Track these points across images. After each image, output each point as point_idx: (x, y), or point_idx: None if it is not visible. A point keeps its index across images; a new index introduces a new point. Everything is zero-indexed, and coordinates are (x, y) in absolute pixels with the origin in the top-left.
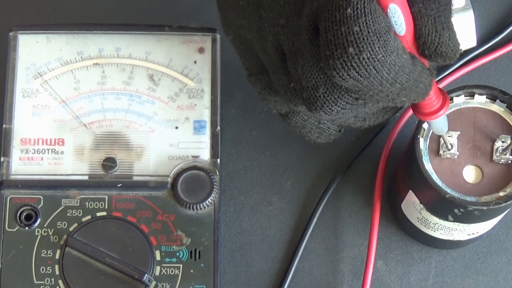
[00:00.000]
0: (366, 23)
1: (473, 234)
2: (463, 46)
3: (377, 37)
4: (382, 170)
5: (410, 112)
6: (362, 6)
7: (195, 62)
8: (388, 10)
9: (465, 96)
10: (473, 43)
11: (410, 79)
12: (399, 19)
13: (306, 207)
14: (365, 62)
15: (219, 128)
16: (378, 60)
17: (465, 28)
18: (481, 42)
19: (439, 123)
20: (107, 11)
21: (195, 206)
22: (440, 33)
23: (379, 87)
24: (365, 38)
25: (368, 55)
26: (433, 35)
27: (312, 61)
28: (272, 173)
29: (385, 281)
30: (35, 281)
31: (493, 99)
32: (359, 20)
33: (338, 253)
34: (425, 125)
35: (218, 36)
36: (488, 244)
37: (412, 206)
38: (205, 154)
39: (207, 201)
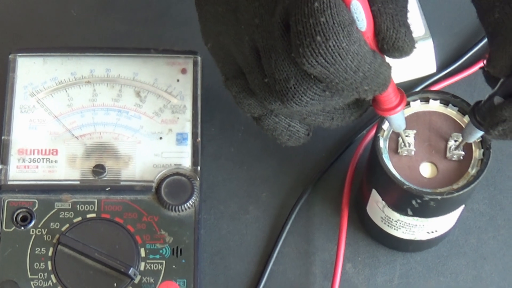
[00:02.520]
0: (331, 15)
1: (432, 232)
2: (424, 72)
3: (341, 27)
4: (349, 182)
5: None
6: (328, 0)
7: (178, 81)
8: (351, 6)
9: (421, 101)
10: (433, 69)
11: (371, 69)
12: (361, 15)
13: (280, 215)
14: (331, 49)
15: (199, 139)
16: (342, 48)
17: (425, 55)
18: (440, 68)
19: (397, 119)
20: (98, 36)
21: (177, 208)
22: (397, 29)
23: (344, 74)
24: (331, 28)
25: (334, 43)
26: (391, 31)
27: (283, 55)
28: (248, 185)
29: (353, 282)
30: (29, 276)
31: (446, 103)
32: (325, 12)
33: (309, 257)
34: (384, 126)
35: (199, 58)
36: (449, 248)
37: (376, 206)
38: (186, 162)
39: (188, 203)
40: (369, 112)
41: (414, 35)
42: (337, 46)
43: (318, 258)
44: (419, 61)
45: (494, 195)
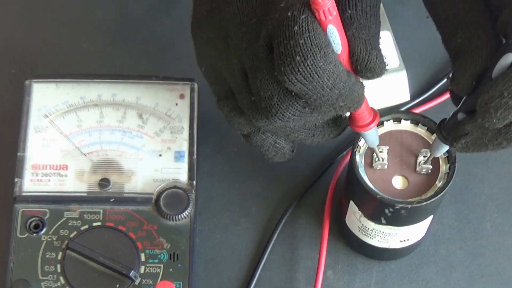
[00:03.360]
0: (309, 37)
1: (404, 241)
2: (399, 101)
3: (318, 48)
4: (330, 197)
5: None
6: (306, 25)
7: (176, 104)
8: (327, 30)
9: (393, 121)
10: (406, 97)
11: (346, 87)
12: (336, 39)
13: (268, 227)
14: (309, 68)
15: (195, 156)
16: (319, 67)
17: (400, 85)
18: (413, 97)
19: (371, 136)
20: (105, 66)
21: (174, 217)
22: (369, 52)
23: (321, 91)
24: (309, 49)
25: (311, 62)
26: (363, 53)
27: (268, 74)
28: (240, 200)
29: (333, 287)
30: (40, 277)
31: (416, 123)
32: (303, 35)
33: (294, 264)
34: (360, 143)
35: (195, 85)
36: (420, 258)
37: (354, 217)
38: (183, 177)
39: (184, 213)
40: (349, 135)
41: (389, 67)
42: (315, 65)
43: (301, 265)
44: (394, 90)
45: (461, 210)
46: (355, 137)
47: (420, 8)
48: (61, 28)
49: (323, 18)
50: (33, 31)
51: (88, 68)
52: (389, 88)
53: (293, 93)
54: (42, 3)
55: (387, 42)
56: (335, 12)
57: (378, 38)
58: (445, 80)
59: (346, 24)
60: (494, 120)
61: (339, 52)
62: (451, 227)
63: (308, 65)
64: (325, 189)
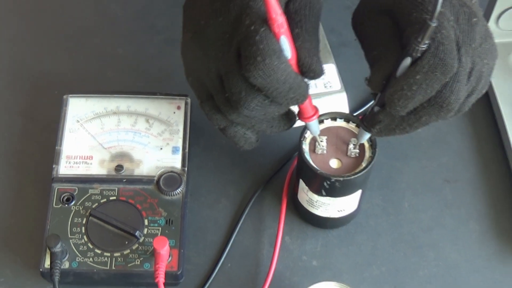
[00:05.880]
0: (267, 44)
1: (340, 211)
2: None
3: (273, 52)
4: (287, 183)
5: None
6: (265, 35)
7: (174, 113)
8: (280, 40)
9: (331, 119)
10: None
11: (294, 82)
12: (287, 47)
13: (241, 205)
14: (267, 66)
15: (187, 150)
16: (274, 65)
17: (340, 104)
18: (351, 112)
19: (313, 126)
20: (122, 85)
21: (170, 193)
22: (311, 58)
23: (276, 84)
24: (266, 52)
25: (268, 61)
26: (307, 59)
27: (237, 74)
28: (221, 185)
29: (289, 248)
30: (69, 236)
31: (347, 121)
32: (263, 42)
33: (260, 232)
34: (306, 134)
35: (189, 100)
36: (355, 228)
37: (303, 192)
38: (178, 164)
39: (177, 190)
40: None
41: (333, 89)
42: (271, 63)
43: (266, 233)
44: (337, 107)
45: (386, 193)
46: (302, 130)
47: (357, 48)
48: (92, 60)
49: (277, 31)
50: (71, 63)
51: (110, 88)
52: (333, 105)
53: (255, 87)
54: (79, 42)
55: (332, 71)
56: (285, 26)
57: (318, 50)
58: (373, 101)
59: (295, 38)
60: (398, 108)
61: (289, 57)
62: (378, 206)
63: (266, 63)
64: (284, 177)
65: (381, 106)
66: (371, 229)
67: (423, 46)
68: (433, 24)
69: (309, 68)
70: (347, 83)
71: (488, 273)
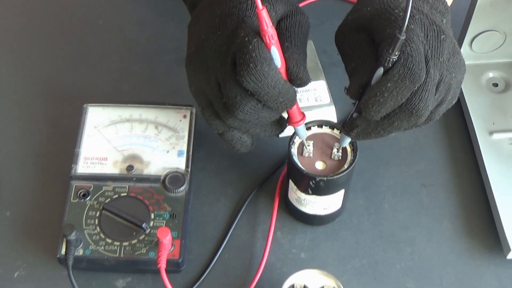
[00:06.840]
0: (259, 52)
1: (325, 208)
2: None
3: (264, 60)
4: (279, 184)
5: None
6: (257, 45)
7: (180, 121)
8: (271, 50)
9: (317, 127)
10: None
11: (283, 88)
12: (277, 57)
13: (239, 203)
14: (259, 72)
15: (191, 153)
16: (265, 71)
17: (330, 115)
18: (339, 123)
19: (301, 131)
20: (135, 96)
21: (174, 191)
22: (299, 68)
23: (267, 89)
24: (258, 60)
25: (260, 68)
26: (295, 68)
27: (233, 81)
28: (221, 186)
29: (280, 242)
30: (84, 227)
31: (332, 128)
32: (255, 51)
33: (254, 227)
34: (295, 139)
35: (194, 109)
36: (340, 225)
37: (292, 192)
38: (182, 166)
39: (181, 188)
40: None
41: (323, 103)
42: (262, 70)
43: (260, 228)
44: (326, 119)
45: (368, 195)
46: (291, 136)
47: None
48: (110, 76)
49: (268, 41)
50: (92, 78)
51: (125, 99)
52: (323, 117)
53: (249, 92)
54: (100, 60)
55: (322, 87)
56: (276, 38)
57: (305, 61)
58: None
59: (284, 50)
60: (372, 113)
61: (279, 66)
62: (361, 206)
63: (258, 70)
64: (277, 180)
65: (359, 113)
66: (354, 226)
67: (394, 57)
68: (402, 37)
69: (296, 76)
70: (336, 98)
71: (459, 266)
